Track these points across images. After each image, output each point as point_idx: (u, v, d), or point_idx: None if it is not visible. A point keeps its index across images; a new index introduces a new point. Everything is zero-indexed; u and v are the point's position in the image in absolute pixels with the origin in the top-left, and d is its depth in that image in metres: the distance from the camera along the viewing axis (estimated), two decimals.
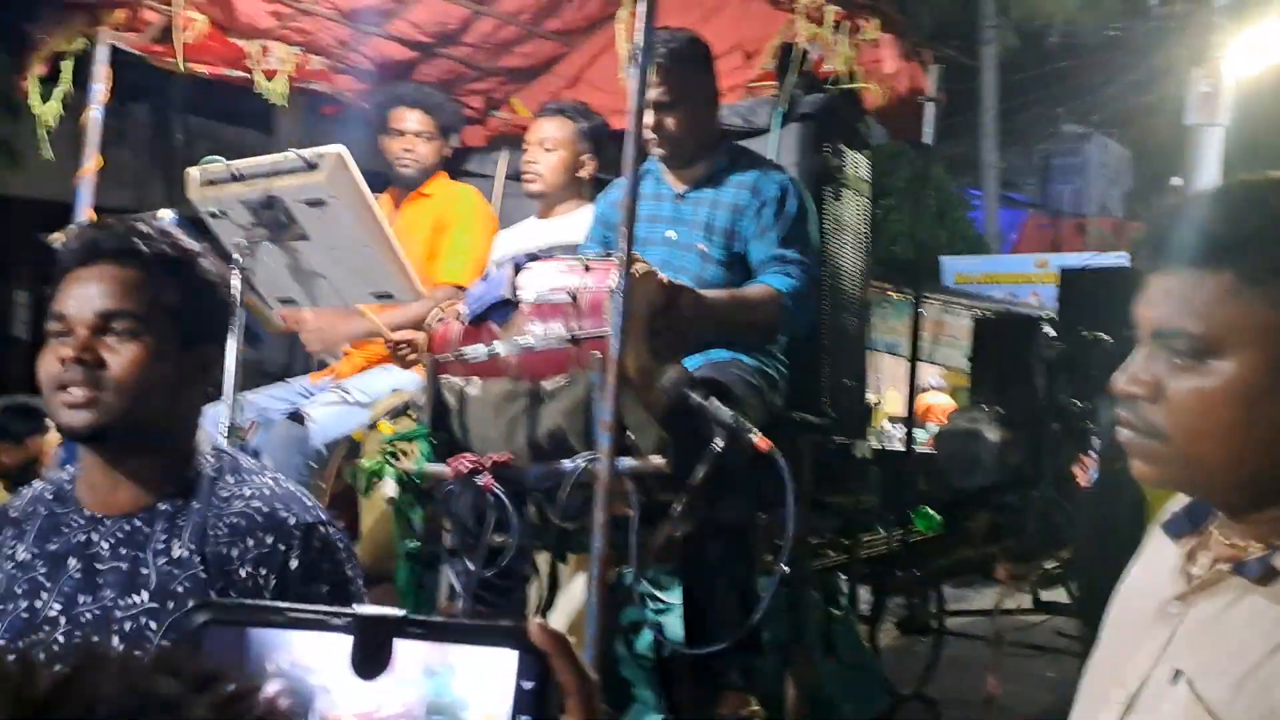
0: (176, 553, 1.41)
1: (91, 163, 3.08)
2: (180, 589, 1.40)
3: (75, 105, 3.20)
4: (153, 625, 1.41)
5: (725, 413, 2.34)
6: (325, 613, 0.64)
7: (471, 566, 2.50)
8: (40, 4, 3.00)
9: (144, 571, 1.41)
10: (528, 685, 0.63)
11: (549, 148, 3.38)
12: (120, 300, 1.41)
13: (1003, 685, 4.05)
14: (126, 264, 1.42)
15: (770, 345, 2.84)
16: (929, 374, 7.94)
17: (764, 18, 3.24)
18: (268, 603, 0.67)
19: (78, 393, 1.38)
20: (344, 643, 0.63)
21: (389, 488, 2.55)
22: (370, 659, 0.63)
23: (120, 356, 1.40)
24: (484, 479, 2.48)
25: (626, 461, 2.30)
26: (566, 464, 2.41)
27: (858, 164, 3.21)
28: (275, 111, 6.83)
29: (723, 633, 2.50)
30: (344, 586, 1.46)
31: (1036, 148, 18.29)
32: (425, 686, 0.63)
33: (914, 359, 3.59)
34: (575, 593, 2.84)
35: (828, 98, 3.09)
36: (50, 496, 1.51)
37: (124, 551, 1.43)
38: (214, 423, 3.18)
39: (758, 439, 2.31)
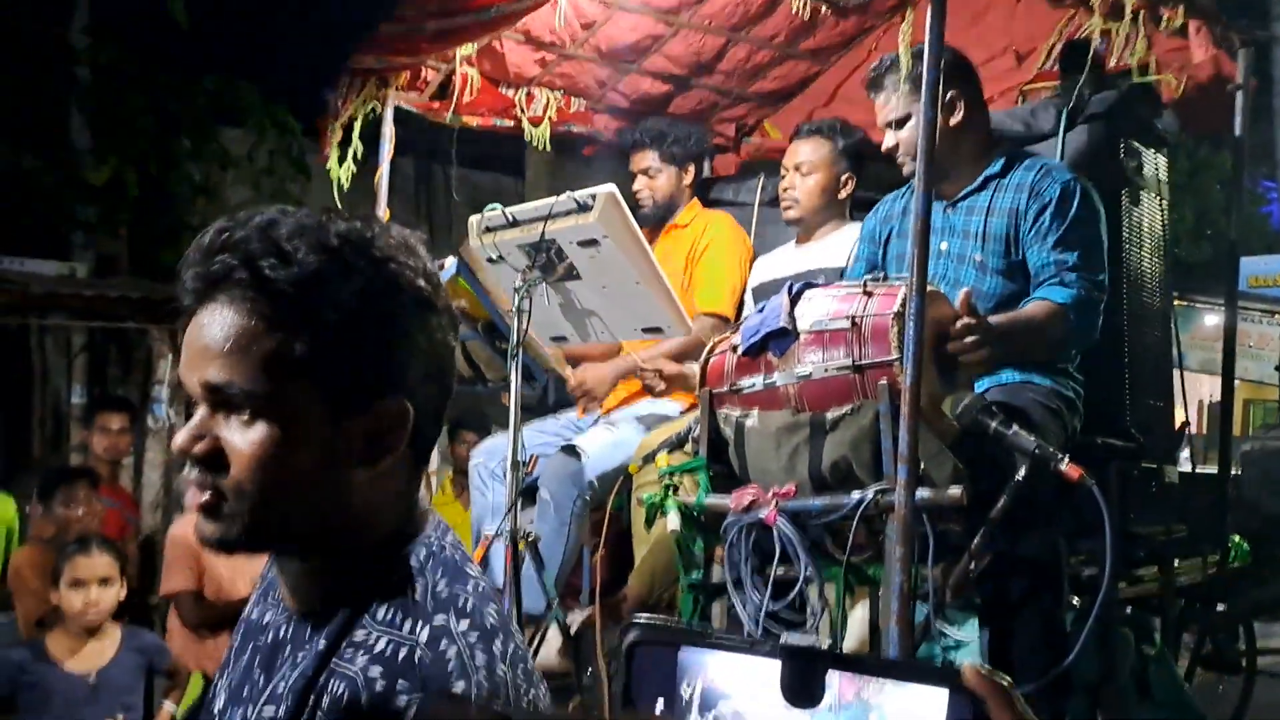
0: (278, 707, 1.00)
1: (382, 217, 3.29)
2: None
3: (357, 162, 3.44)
4: None
5: (1028, 440, 2.19)
6: (752, 640, 0.66)
7: (758, 599, 2.46)
8: (336, 74, 3.24)
9: (249, 713, 1.03)
10: None
11: (805, 171, 3.32)
12: (231, 365, 0.96)
13: None
14: (244, 299, 0.96)
15: (1063, 364, 2.65)
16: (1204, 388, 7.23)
17: (1036, 16, 3.06)
18: (694, 627, 0.69)
19: (198, 494, 1.00)
20: (768, 670, 0.64)
21: (673, 520, 2.55)
22: (803, 689, 0.63)
23: (242, 442, 0.97)
24: (767, 512, 2.44)
25: (921, 493, 2.19)
26: (853, 496, 2.32)
27: (1156, 164, 2.95)
28: (526, 155, 7.18)
29: (1028, 673, 2.34)
30: None
31: None
32: (839, 717, 0.63)
33: (1228, 374, 3.25)
34: (856, 627, 2.75)
35: (1120, 94, 2.85)
36: None
37: (265, 667, 1.06)
38: (493, 456, 3.34)
39: (1067, 467, 2.15)
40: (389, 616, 0.98)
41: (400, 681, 0.94)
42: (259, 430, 0.97)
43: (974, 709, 0.62)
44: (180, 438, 0.99)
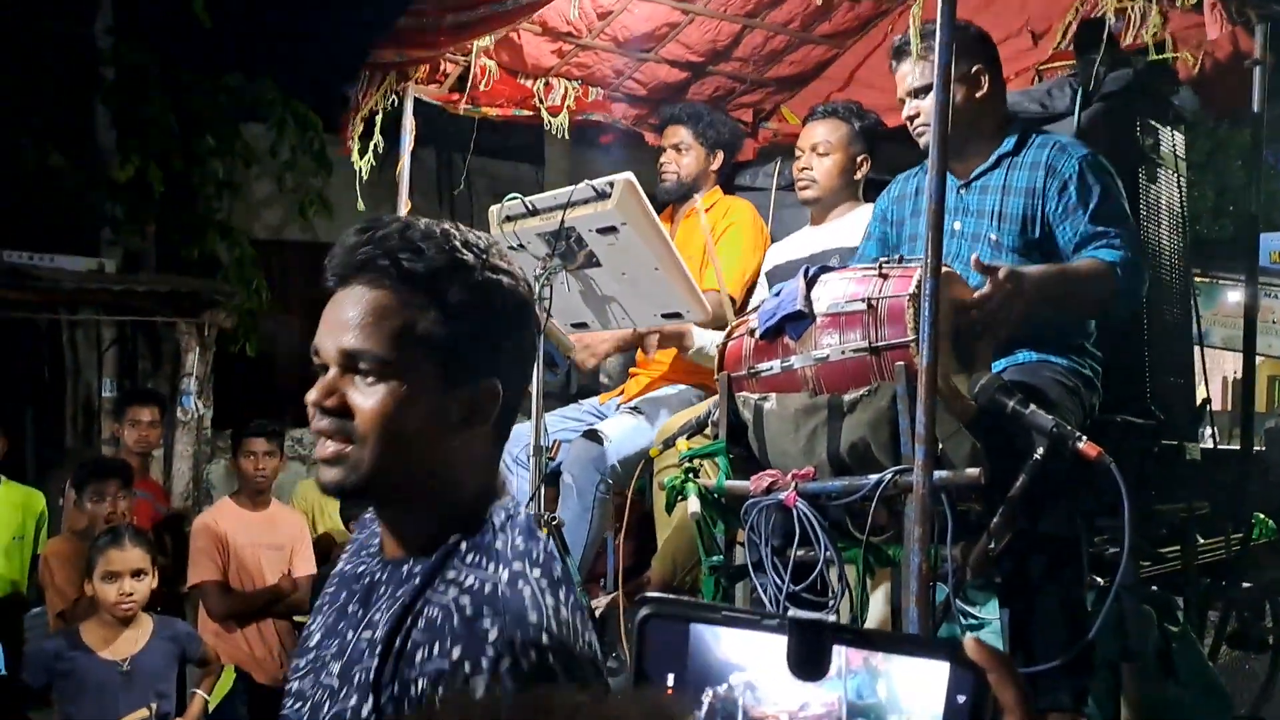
0: (376, 632, 1.16)
1: (404, 209, 3.33)
2: (356, 677, 1.15)
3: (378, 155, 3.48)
4: (326, 706, 1.17)
5: (1045, 419, 2.19)
6: (761, 614, 0.67)
7: (780, 581, 2.48)
8: (356, 69, 3.28)
9: (349, 637, 1.20)
10: (961, 699, 0.63)
11: (822, 152, 3.33)
12: (366, 335, 1.15)
13: None
14: (380, 283, 1.16)
15: (1079, 341, 2.65)
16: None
17: None
18: (706, 601, 0.71)
19: (327, 445, 1.18)
20: (776, 644, 0.65)
21: (694, 504, 2.57)
22: (809, 661, 0.65)
23: (368, 402, 1.16)
24: (787, 494, 2.46)
25: (939, 474, 2.20)
26: (871, 477, 2.34)
27: (1173, 141, 2.94)
28: (546, 144, 7.20)
29: (1048, 651, 2.35)
30: None
31: None
32: (846, 688, 0.65)
33: (1249, 350, 3.24)
34: (877, 607, 2.77)
35: (1136, 72, 2.84)
36: None
37: (362, 602, 1.23)
38: (517, 442, 3.38)
39: (1085, 446, 2.15)
40: (476, 559, 1.16)
41: (485, 609, 1.11)
42: (381, 390, 1.16)
43: (974, 680, 0.63)
44: (313, 393, 1.18)
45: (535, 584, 1.14)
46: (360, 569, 1.27)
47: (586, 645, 1.15)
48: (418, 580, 1.16)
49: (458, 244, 1.19)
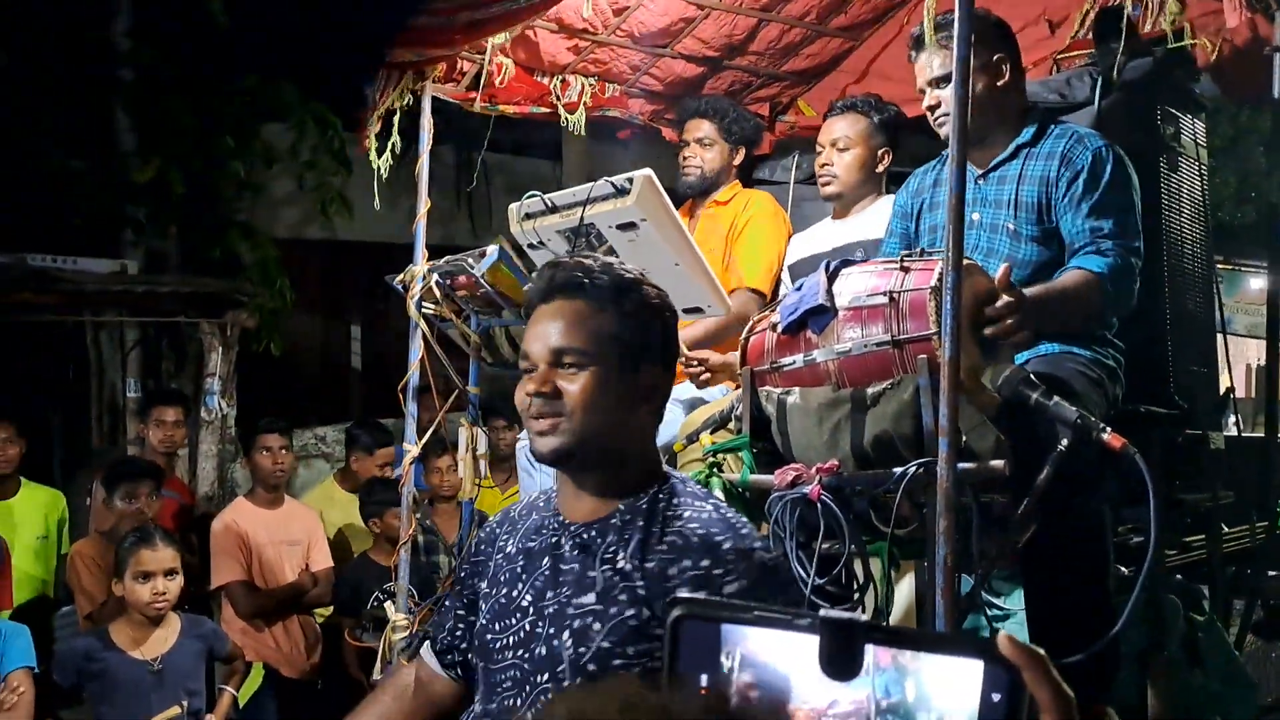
0: (621, 564, 1.53)
1: (424, 207, 3.35)
2: (621, 597, 1.52)
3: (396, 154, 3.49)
4: (596, 625, 1.53)
5: (1070, 411, 2.19)
6: (791, 613, 0.67)
7: (805, 575, 2.49)
8: (374, 69, 3.29)
9: (591, 575, 1.55)
10: (996, 697, 0.63)
11: (843, 147, 3.32)
12: (569, 336, 1.55)
13: None
14: (575, 297, 1.56)
15: (1101, 332, 2.64)
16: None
17: None
18: (737, 601, 0.71)
19: (542, 422, 1.56)
20: (807, 642, 0.65)
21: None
22: (840, 660, 0.65)
23: (573, 386, 1.54)
24: (811, 488, 2.46)
25: (963, 466, 2.20)
26: (895, 470, 2.34)
27: (1194, 129, 2.92)
28: (563, 141, 7.20)
29: (1074, 642, 2.35)
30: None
31: None
32: (875, 686, 0.65)
33: (1272, 338, 3.22)
34: (902, 599, 2.77)
35: (1156, 61, 2.83)
36: (542, 502, 1.71)
37: (580, 555, 1.58)
38: None
39: (1109, 437, 2.15)
40: (686, 501, 1.58)
41: (715, 528, 1.53)
42: (584, 376, 1.55)
43: (1010, 678, 0.63)
44: (531, 385, 1.56)
45: (730, 511, 1.58)
46: (549, 541, 1.62)
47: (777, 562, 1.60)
48: (640, 520, 1.55)
49: (622, 270, 1.61)
